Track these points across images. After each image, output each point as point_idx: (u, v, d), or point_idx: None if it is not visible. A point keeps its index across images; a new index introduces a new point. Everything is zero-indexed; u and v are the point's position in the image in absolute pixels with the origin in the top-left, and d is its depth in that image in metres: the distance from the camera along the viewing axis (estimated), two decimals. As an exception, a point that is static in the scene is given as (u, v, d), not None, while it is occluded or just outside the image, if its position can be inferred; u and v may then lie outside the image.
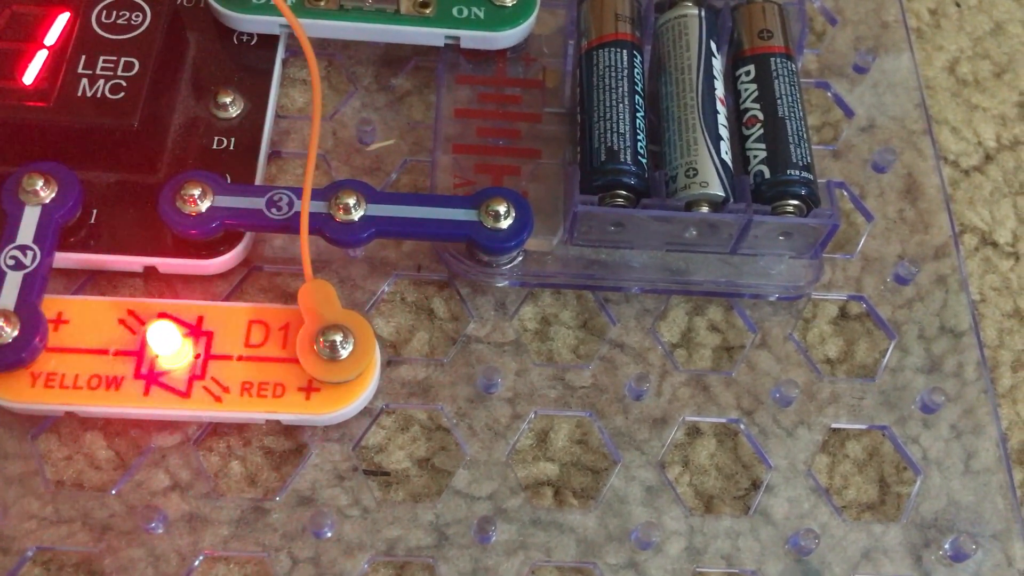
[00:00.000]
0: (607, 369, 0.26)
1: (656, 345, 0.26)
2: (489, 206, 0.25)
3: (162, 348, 0.24)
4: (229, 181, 0.26)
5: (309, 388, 0.24)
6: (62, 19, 0.27)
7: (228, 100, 0.28)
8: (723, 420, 0.26)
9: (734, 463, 0.25)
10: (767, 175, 0.26)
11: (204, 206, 0.25)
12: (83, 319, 0.24)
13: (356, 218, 0.25)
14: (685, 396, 0.26)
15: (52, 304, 0.24)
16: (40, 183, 0.25)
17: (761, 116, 0.27)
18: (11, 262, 0.24)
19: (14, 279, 0.24)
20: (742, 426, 0.26)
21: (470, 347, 0.26)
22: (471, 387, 0.26)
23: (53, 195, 0.25)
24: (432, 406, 0.25)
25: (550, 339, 0.27)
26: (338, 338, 0.23)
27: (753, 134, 0.27)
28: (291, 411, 0.24)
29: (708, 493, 0.25)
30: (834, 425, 0.26)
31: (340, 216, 0.25)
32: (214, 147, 0.27)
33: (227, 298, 0.26)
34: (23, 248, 0.24)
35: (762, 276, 0.27)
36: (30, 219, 0.25)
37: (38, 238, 0.24)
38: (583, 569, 0.24)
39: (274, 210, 0.25)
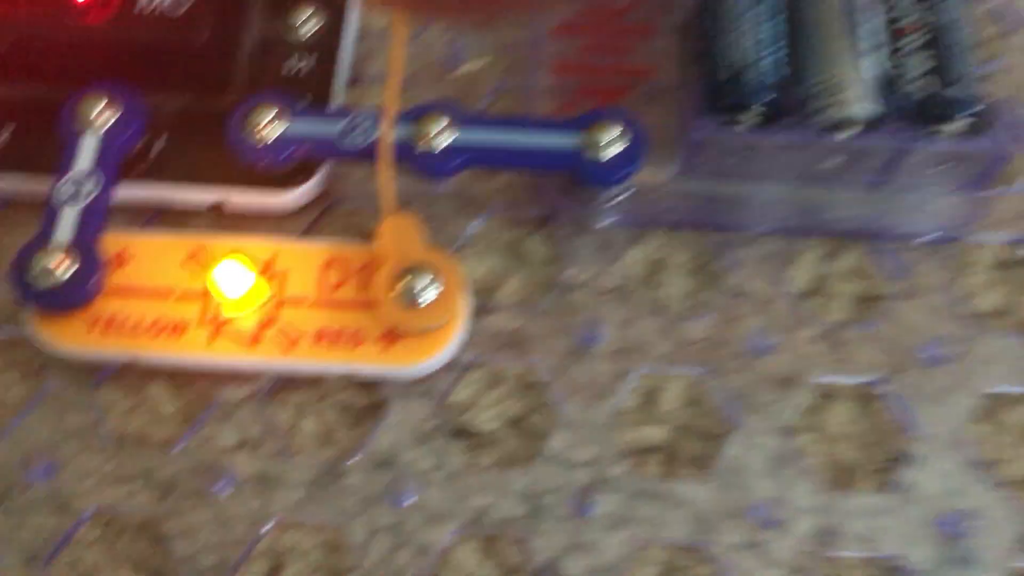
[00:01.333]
0: (725, 320, 0.24)
1: (783, 293, 0.25)
2: (595, 131, 0.23)
3: (230, 290, 0.23)
4: (304, 105, 0.25)
5: (389, 337, 0.23)
6: (120, -73, 0.26)
7: (305, 16, 0.26)
8: (861, 381, 0.24)
9: (873, 431, 0.23)
10: (928, 92, 0.24)
11: (276, 132, 0.24)
12: (146, 258, 0.23)
13: (443, 145, 0.24)
14: (816, 353, 0.24)
15: (113, 240, 0.23)
16: (101, 105, 0.24)
17: (921, 23, 0.24)
18: (69, 194, 0.23)
19: (71, 213, 0.23)
20: (884, 388, 0.24)
21: (569, 294, 0.25)
22: (569, 339, 0.24)
23: (115, 119, 0.24)
24: (525, 360, 0.24)
25: (660, 286, 0.25)
26: (422, 281, 0.22)
27: (910, 43, 0.24)
28: (369, 362, 0.23)
29: (842, 465, 0.23)
30: (994, 390, 0.24)
31: (425, 144, 0.23)
32: (288, 68, 0.26)
33: (302, 236, 0.25)
34: (82, 178, 0.23)
35: (912, 213, 0.25)
36: (89, 146, 0.24)
37: (98, 167, 0.23)
38: (695, 548, 0.22)
39: (353, 136, 0.24)
